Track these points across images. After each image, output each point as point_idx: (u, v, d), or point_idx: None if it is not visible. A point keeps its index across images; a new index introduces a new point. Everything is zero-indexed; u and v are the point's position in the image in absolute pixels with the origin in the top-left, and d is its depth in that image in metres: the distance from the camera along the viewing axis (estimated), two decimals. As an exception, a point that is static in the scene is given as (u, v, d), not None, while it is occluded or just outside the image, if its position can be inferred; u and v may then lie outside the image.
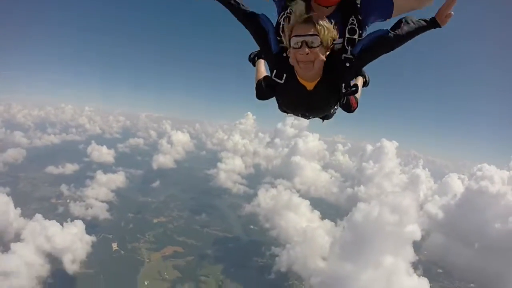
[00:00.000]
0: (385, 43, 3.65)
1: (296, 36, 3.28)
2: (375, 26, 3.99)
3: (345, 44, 3.68)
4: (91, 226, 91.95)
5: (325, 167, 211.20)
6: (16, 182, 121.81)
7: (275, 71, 3.77)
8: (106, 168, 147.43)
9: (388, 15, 3.82)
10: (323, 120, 4.64)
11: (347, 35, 3.67)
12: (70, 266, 74.98)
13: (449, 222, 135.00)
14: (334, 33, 3.38)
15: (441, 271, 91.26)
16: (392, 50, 3.72)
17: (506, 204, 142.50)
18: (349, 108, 4.37)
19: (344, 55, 3.61)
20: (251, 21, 3.90)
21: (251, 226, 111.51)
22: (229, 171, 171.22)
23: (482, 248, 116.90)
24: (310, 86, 3.67)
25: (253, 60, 5.43)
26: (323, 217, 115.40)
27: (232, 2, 3.97)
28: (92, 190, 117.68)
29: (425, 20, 3.68)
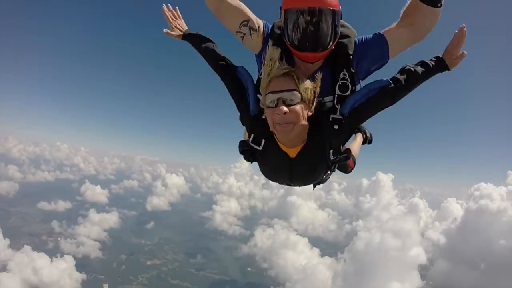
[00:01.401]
0: (384, 97, 3.06)
1: (271, 92, 2.75)
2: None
3: (335, 102, 3.11)
4: (82, 264, 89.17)
5: (321, 207, 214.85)
6: (7, 216, 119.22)
7: (252, 135, 3.18)
8: (99, 207, 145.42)
9: (385, 60, 3.25)
10: (314, 187, 3.86)
11: (337, 92, 3.10)
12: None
13: (452, 246, 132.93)
14: (317, 87, 2.89)
15: None
16: (392, 104, 3.13)
17: (508, 220, 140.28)
18: (345, 169, 3.96)
19: (332, 116, 3.00)
20: (227, 73, 3.39)
21: (249, 268, 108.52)
22: (225, 213, 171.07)
23: (488, 268, 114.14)
24: (292, 153, 3.07)
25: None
26: (322, 254, 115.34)
27: (204, 46, 3.59)
28: (84, 228, 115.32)
29: (431, 63, 3.12)
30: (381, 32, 3.17)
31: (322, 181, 3.75)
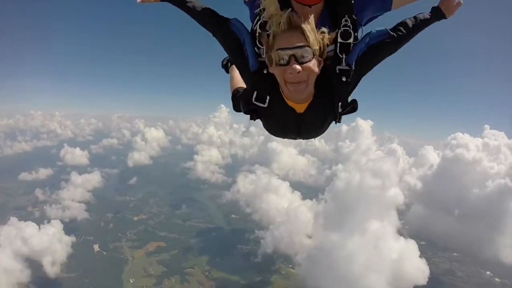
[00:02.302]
0: (386, 45, 3.02)
1: (281, 49, 2.56)
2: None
3: (338, 51, 2.90)
4: (70, 228, 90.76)
5: (301, 153, 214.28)
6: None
7: (255, 93, 3.01)
8: (81, 169, 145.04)
9: (387, 7, 3.16)
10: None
11: (339, 40, 2.89)
12: (51, 269, 73.73)
13: (428, 192, 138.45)
14: (328, 38, 2.74)
15: (424, 243, 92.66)
16: (394, 52, 3.13)
17: (482, 170, 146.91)
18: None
19: (338, 67, 2.86)
20: (220, 29, 3.17)
21: (233, 215, 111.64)
22: (206, 162, 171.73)
23: (462, 215, 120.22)
24: (300, 108, 3.01)
25: (226, 66, 4.91)
26: (304, 197, 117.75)
27: (189, 4, 3.26)
28: (68, 192, 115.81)
29: (428, 13, 3.18)
30: None
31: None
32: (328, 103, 2.96)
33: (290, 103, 2.94)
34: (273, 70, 2.70)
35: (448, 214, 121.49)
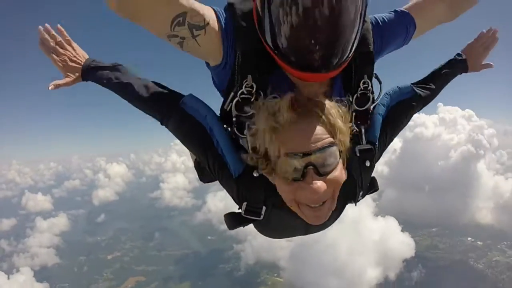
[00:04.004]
0: (411, 107, 2.33)
1: (291, 155, 1.51)
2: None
3: (354, 124, 2.03)
4: (41, 275, 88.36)
5: None
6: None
7: (245, 205, 2.00)
8: (45, 214, 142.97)
9: (404, 45, 2.40)
10: None
11: (354, 107, 2.04)
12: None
13: (396, 175, 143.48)
14: (350, 125, 1.72)
15: (402, 226, 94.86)
16: (419, 111, 2.46)
17: (443, 143, 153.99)
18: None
19: (358, 147, 2.01)
20: (170, 114, 2.05)
21: (208, 237, 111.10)
22: (173, 189, 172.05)
23: (433, 189, 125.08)
24: None
25: None
26: None
27: (123, 82, 2.24)
28: (34, 238, 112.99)
29: (452, 64, 2.65)
30: (404, 9, 2.28)
31: None
32: (348, 195, 2.12)
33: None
34: (275, 181, 1.71)
35: (420, 192, 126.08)
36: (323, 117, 1.55)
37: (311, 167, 1.52)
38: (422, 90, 2.35)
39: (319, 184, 1.52)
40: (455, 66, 2.63)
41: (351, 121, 1.81)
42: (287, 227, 2.27)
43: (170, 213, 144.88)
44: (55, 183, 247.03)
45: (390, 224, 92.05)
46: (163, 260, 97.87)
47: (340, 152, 1.61)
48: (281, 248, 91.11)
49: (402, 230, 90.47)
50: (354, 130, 1.92)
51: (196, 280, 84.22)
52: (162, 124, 2.09)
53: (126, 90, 2.20)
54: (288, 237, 2.60)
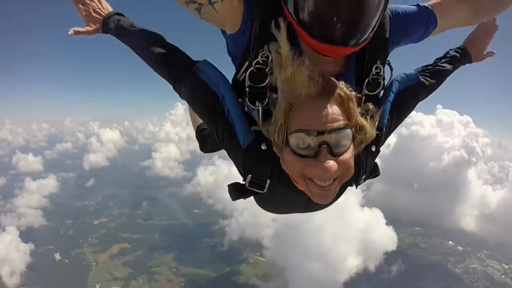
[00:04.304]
0: (416, 94, 2.36)
1: (306, 131, 1.52)
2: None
3: None
4: (27, 236, 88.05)
5: None
6: None
7: (250, 177, 2.03)
8: (35, 175, 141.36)
9: (422, 39, 2.38)
10: None
11: (365, 92, 2.04)
12: (10, 280, 71.56)
13: (387, 169, 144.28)
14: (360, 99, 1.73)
15: (387, 220, 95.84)
16: (422, 100, 2.47)
17: (437, 144, 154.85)
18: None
19: None
20: (181, 77, 2.08)
21: (195, 210, 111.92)
22: (165, 159, 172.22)
23: (421, 188, 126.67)
24: None
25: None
26: None
27: (139, 39, 2.30)
28: (22, 199, 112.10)
29: (455, 54, 2.66)
30: (428, 5, 2.24)
31: None
32: (351, 177, 1.87)
33: (300, 186, 1.87)
34: (283, 155, 1.72)
35: (408, 189, 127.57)
36: (342, 98, 1.56)
37: (325, 146, 1.52)
38: (426, 79, 2.38)
39: (332, 163, 1.52)
40: (458, 57, 2.65)
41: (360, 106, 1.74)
42: (288, 203, 2.37)
43: (159, 183, 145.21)
44: (47, 145, 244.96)
45: (376, 215, 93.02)
46: (149, 229, 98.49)
47: (354, 135, 1.62)
48: (266, 226, 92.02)
49: (387, 224, 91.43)
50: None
51: (180, 252, 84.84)
52: (174, 88, 2.14)
53: (143, 48, 2.24)
54: (287, 213, 2.76)
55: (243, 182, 2.11)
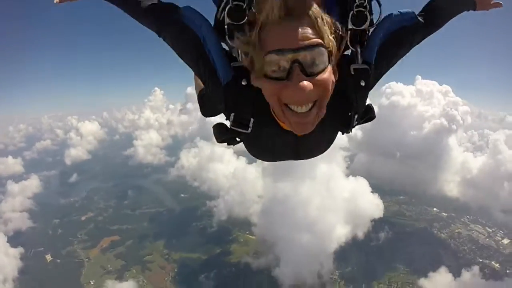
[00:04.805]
0: (412, 34, 2.26)
1: (276, 51, 1.52)
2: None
3: (349, 43, 2.00)
4: (16, 240, 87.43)
5: None
6: None
7: (232, 115, 2.02)
8: (17, 178, 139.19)
9: None
10: None
11: (350, 26, 1.96)
12: (3, 287, 71.45)
13: (369, 139, 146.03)
14: (346, 34, 1.87)
15: (371, 190, 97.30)
16: (420, 42, 2.36)
17: (417, 114, 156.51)
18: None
19: (353, 66, 1.98)
20: (166, 24, 2.14)
21: (182, 195, 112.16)
22: (147, 146, 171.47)
23: (403, 157, 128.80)
24: None
25: None
26: (250, 162, 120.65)
27: None
28: (6, 203, 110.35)
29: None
30: None
31: None
32: (341, 116, 2.14)
33: (285, 126, 1.99)
34: (260, 83, 1.71)
35: (391, 158, 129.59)
36: (313, 18, 1.54)
37: (298, 64, 1.50)
38: (425, 19, 2.27)
39: (306, 83, 1.49)
40: (461, 1, 2.48)
41: (349, 41, 1.89)
42: (276, 146, 2.33)
43: (143, 170, 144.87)
44: (25, 145, 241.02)
45: (361, 184, 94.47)
46: (137, 219, 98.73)
47: (330, 56, 1.61)
48: (253, 202, 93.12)
49: (372, 192, 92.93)
50: (350, 49, 2.01)
51: (170, 238, 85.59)
52: (159, 35, 2.18)
53: (128, 2, 2.27)
54: (279, 159, 2.70)
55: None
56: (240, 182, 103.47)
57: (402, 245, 77.63)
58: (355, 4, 1.93)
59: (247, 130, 2.02)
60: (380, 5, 2.07)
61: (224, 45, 2.10)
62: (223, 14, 1.92)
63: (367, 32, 2.07)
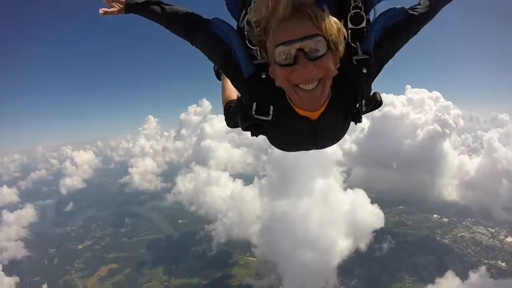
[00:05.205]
0: (406, 26, 2.56)
1: (283, 44, 1.96)
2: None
3: (350, 40, 2.37)
4: (11, 269, 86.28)
5: (236, 146, 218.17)
6: None
7: (255, 104, 2.39)
8: (12, 207, 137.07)
9: None
10: None
11: (350, 26, 2.37)
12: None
13: (364, 152, 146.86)
14: (342, 27, 2.12)
15: (370, 202, 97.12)
16: (415, 33, 2.65)
17: (411, 122, 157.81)
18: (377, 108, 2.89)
19: (355, 57, 2.34)
20: (198, 33, 2.61)
21: (179, 220, 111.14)
22: (142, 173, 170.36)
23: (400, 166, 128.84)
24: (314, 115, 2.40)
25: (218, 72, 4.18)
26: (246, 184, 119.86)
27: (158, 10, 2.71)
28: (1, 232, 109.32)
29: None
30: None
31: None
32: (350, 102, 2.46)
33: (301, 112, 2.36)
34: (275, 73, 2.15)
35: (388, 169, 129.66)
36: (312, 15, 1.97)
37: (301, 51, 1.93)
38: (416, 12, 2.56)
39: (310, 65, 1.94)
40: None
41: (338, 26, 2.09)
42: (295, 132, 2.58)
43: (140, 197, 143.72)
44: (20, 175, 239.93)
45: (360, 196, 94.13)
46: (135, 246, 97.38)
47: (329, 44, 2.00)
48: (252, 222, 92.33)
49: (371, 203, 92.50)
50: (351, 45, 2.37)
51: (170, 264, 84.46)
52: (192, 43, 2.66)
53: (164, 16, 2.71)
54: (299, 147, 2.93)
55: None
56: (237, 204, 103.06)
57: (406, 254, 77.11)
58: (352, 6, 2.35)
59: (268, 117, 2.39)
60: (373, 6, 2.54)
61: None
62: (243, 24, 2.47)
63: (365, 29, 2.45)
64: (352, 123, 2.81)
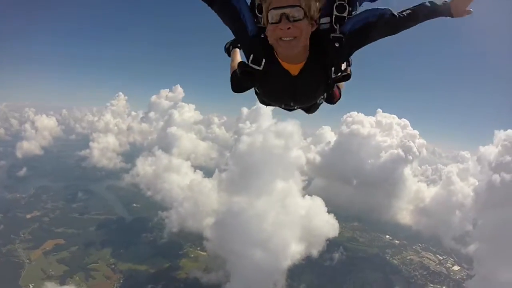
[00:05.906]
0: (385, 25, 3.16)
1: (274, 9, 2.73)
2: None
3: (333, 23, 3.12)
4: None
5: (202, 140, 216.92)
6: None
7: (251, 56, 3.19)
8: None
9: None
10: (307, 112, 4.20)
11: (335, 13, 3.11)
12: None
13: (327, 165, 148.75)
14: (321, 2, 2.85)
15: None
16: (393, 34, 3.28)
17: (376, 143, 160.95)
18: (331, 99, 4.01)
19: (332, 34, 3.08)
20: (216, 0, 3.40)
21: (134, 204, 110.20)
22: (103, 149, 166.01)
23: (360, 184, 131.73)
24: (294, 70, 3.13)
25: (228, 50, 5.06)
26: (206, 177, 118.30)
27: None
28: None
29: (439, 4, 3.24)
30: None
31: (315, 107, 3.98)
32: (322, 67, 3.14)
33: (285, 65, 3.11)
34: (268, 32, 2.89)
35: (348, 184, 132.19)
36: None
37: (284, 15, 2.67)
38: (399, 15, 3.17)
39: (289, 24, 2.68)
40: (439, 6, 3.24)
41: (316, 3, 2.79)
42: (278, 83, 3.31)
43: (96, 174, 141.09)
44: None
45: (317, 203, 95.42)
46: (85, 224, 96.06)
47: (305, 14, 2.69)
48: (206, 215, 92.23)
49: (328, 212, 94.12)
50: (333, 27, 3.12)
51: (118, 248, 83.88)
52: (211, 6, 3.42)
53: None
54: (282, 100, 3.68)
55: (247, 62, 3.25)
56: (195, 194, 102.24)
57: (355, 268, 79.93)
58: None
59: (260, 67, 3.15)
60: (357, 2, 3.30)
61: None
62: None
63: (347, 17, 3.13)
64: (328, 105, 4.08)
